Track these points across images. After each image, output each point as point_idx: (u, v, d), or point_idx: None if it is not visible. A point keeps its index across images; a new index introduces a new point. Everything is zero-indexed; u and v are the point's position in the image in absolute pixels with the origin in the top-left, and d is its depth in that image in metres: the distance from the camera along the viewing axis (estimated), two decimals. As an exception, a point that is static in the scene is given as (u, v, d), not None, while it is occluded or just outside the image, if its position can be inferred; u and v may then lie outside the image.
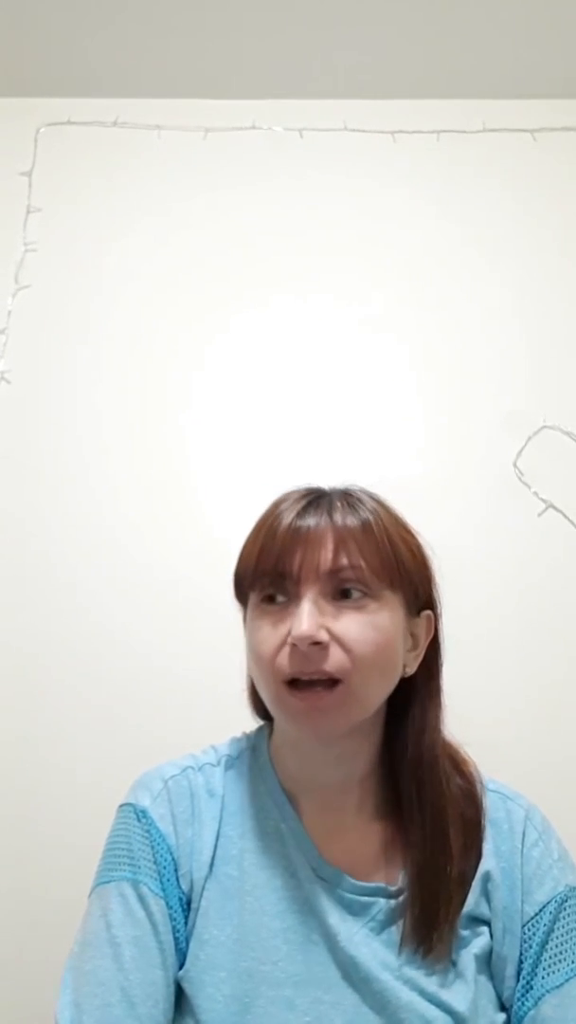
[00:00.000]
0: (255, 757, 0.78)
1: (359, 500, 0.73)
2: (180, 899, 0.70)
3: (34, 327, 1.53)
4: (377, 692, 0.70)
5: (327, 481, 0.77)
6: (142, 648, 1.37)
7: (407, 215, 1.58)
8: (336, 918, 0.69)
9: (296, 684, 0.67)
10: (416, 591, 0.74)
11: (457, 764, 0.76)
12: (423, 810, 0.72)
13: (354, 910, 0.70)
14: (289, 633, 0.67)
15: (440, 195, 1.60)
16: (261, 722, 0.83)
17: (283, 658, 0.67)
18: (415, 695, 0.74)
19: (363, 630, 0.68)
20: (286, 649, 0.67)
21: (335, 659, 0.66)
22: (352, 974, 0.67)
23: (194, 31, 1.50)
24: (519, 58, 1.55)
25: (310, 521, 0.70)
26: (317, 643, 0.66)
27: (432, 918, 0.68)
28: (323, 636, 0.66)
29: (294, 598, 0.68)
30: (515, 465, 1.45)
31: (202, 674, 1.30)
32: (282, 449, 1.45)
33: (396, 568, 0.71)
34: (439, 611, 0.77)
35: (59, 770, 1.32)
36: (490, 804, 0.75)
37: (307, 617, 0.66)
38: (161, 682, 1.34)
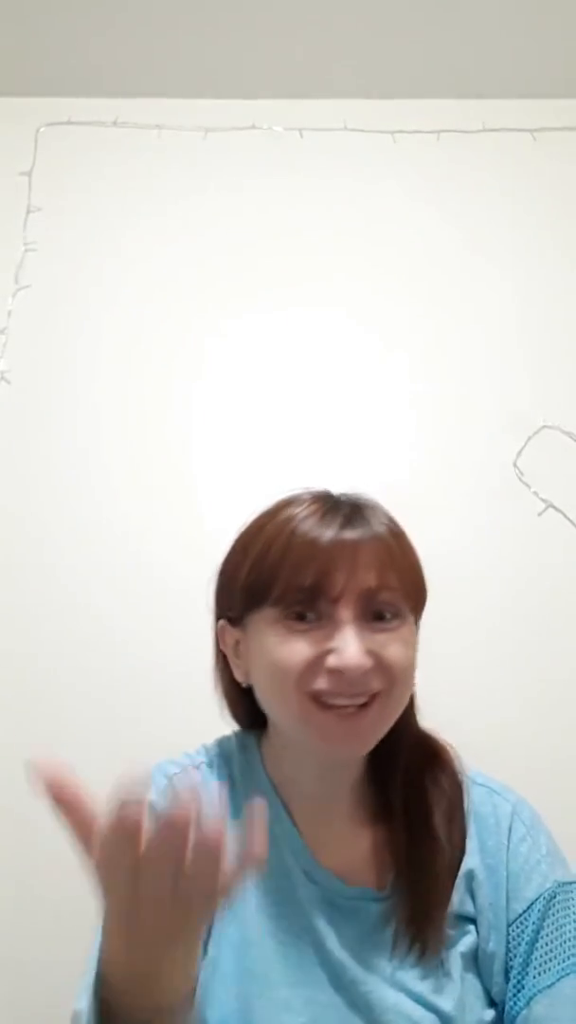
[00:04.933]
0: (246, 758, 0.78)
1: (380, 512, 0.72)
2: None
3: (34, 327, 1.53)
4: (403, 706, 0.71)
5: (330, 483, 0.76)
6: (141, 647, 1.37)
7: (407, 215, 1.58)
8: (325, 921, 0.69)
9: (323, 701, 0.66)
10: (421, 606, 0.74)
11: (436, 752, 0.77)
12: (410, 805, 0.73)
13: (344, 913, 0.70)
14: (326, 653, 0.65)
15: (440, 195, 1.59)
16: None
17: (318, 678, 0.66)
18: None
19: (399, 649, 0.68)
20: (320, 670, 0.66)
21: (376, 680, 0.66)
22: (340, 976, 0.67)
23: (194, 31, 1.50)
24: (519, 58, 1.55)
25: (355, 534, 0.68)
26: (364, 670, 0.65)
27: (425, 913, 0.69)
28: (370, 662, 0.65)
29: (328, 619, 0.66)
30: (515, 465, 1.45)
31: (199, 670, 1.30)
32: (282, 449, 1.45)
33: (419, 587, 0.72)
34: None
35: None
36: (476, 798, 0.75)
37: (356, 645, 0.65)
38: (160, 681, 1.34)
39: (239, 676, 0.74)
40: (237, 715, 0.81)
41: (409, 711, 0.74)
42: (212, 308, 1.53)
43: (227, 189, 1.59)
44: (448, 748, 0.78)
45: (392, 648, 0.67)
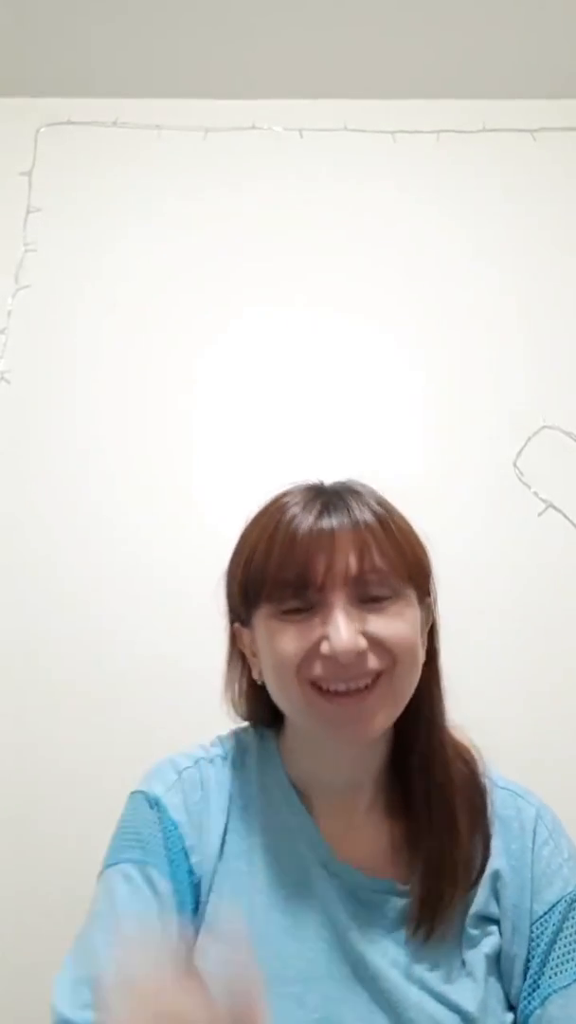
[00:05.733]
0: (263, 750, 0.78)
1: (368, 496, 0.73)
2: (191, 883, 0.70)
3: (34, 327, 1.53)
4: (410, 687, 0.70)
5: (326, 477, 0.77)
6: (143, 645, 1.37)
7: (407, 215, 1.58)
8: (347, 915, 0.69)
9: (328, 690, 0.67)
10: (424, 583, 0.74)
11: (459, 750, 0.76)
12: (432, 796, 0.72)
13: (365, 907, 0.70)
14: (321, 640, 0.66)
15: (440, 195, 1.60)
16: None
17: (315, 666, 0.66)
18: (420, 684, 0.73)
19: (396, 627, 0.67)
20: (317, 657, 0.66)
21: (374, 660, 0.66)
22: (361, 971, 0.67)
23: (194, 31, 1.50)
24: (519, 58, 1.55)
25: (332, 522, 0.68)
26: (358, 652, 0.65)
27: (437, 898, 0.69)
28: (363, 644, 0.65)
29: (319, 606, 0.67)
30: (515, 465, 1.45)
31: (202, 668, 1.30)
32: (282, 450, 1.45)
33: (412, 563, 0.71)
34: (435, 597, 0.77)
35: (58, 767, 1.32)
36: (500, 801, 0.75)
37: (345, 628, 0.65)
38: (160, 678, 1.34)
39: (256, 675, 0.75)
40: (255, 714, 0.81)
41: (436, 705, 0.74)
42: (212, 308, 1.54)
43: (227, 189, 1.59)
44: (472, 749, 0.77)
45: (386, 625, 0.67)
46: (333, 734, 0.68)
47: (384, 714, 0.68)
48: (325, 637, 0.65)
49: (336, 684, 0.66)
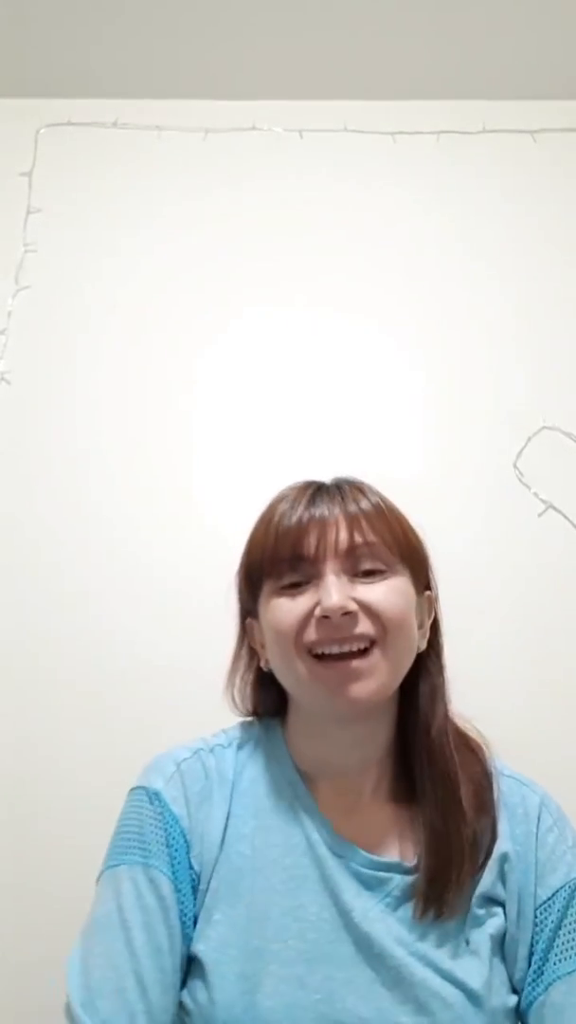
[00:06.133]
0: (269, 739, 0.80)
1: (362, 486, 0.77)
2: (192, 880, 0.71)
3: (34, 327, 1.53)
4: (404, 659, 0.73)
5: (325, 476, 0.80)
6: (143, 645, 1.37)
7: (407, 216, 1.58)
8: (351, 894, 0.70)
9: (324, 658, 0.70)
10: (420, 570, 0.77)
11: (465, 738, 0.78)
12: (435, 775, 0.73)
13: (370, 885, 0.71)
14: (315, 606, 0.69)
15: (440, 196, 1.60)
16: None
17: (309, 631, 0.70)
18: (422, 672, 0.77)
19: (388, 595, 0.71)
20: (312, 622, 0.70)
21: (365, 624, 0.70)
22: (366, 950, 0.68)
23: (194, 32, 1.50)
24: (519, 58, 1.55)
25: (322, 509, 0.73)
26: (348, 613, 0.69)
27: (445, 877, 0.69)
28: (352, 606, 0.69)
29: (314, 578, 0.71)
30: (515, 465, 1.45)
31: (202, 668, 1.30)
32: (282, 451, 1.45)
33: (405, 544, 0.75)
34: (436, 592, 0.80)
35: (58, 767, 1.32)
36: (506, 789, 0.77)
37: (335, 589, 0.69)
38: (161, 677, 1.34)
39: (264, 664, 0.78)
40: (261, 703, 0.83)
41: (439, 696, 0.77)
42: (212, 309, 1.54)
43: (227, 190, 1.59)
44: (479, 738, 0.79)
45: (376, 595, 0.71)
46: (331, 700, 0.70)
47: (378, 680, 0.70)
48: (319, 602, 0.69)
49: (330, 647, 0.69)
